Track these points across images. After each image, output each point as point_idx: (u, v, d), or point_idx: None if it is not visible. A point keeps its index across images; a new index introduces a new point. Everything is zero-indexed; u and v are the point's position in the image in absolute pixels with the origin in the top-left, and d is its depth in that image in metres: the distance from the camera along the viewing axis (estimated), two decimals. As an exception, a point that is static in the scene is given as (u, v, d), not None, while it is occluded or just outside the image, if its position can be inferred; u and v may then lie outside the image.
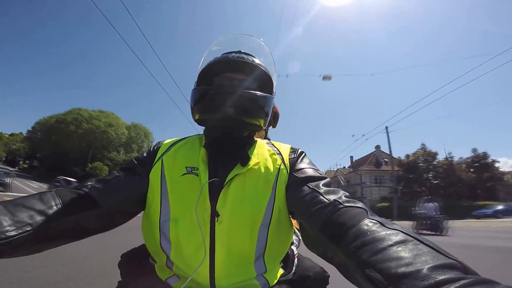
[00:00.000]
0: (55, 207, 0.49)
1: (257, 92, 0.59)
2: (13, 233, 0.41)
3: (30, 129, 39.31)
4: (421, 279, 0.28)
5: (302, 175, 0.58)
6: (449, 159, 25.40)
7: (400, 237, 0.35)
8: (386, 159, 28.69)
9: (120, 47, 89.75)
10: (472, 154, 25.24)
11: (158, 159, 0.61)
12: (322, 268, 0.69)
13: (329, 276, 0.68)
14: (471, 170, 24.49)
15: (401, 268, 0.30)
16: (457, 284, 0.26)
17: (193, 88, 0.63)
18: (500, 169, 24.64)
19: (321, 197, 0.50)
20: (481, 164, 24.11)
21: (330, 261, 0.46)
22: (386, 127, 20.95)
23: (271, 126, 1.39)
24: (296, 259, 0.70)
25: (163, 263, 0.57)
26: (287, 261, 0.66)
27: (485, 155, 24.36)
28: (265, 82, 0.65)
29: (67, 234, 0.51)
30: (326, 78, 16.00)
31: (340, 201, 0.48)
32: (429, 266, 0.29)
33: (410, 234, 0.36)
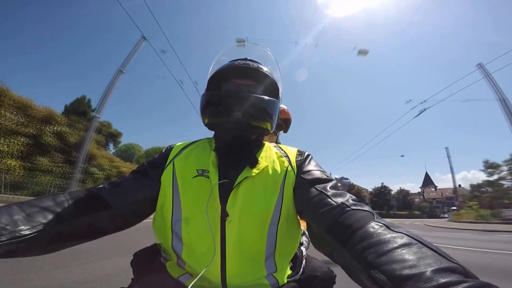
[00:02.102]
0: (67, 208, 0.50)
1: (263, 96, 0.61)
2: (26, 232, 0.42)
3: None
4: (424, 281, 0.28)
5: (309, 177, 0.59)
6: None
7: (405, 240, 0.36)
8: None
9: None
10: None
11: (170, 162, 0.63)
12: (329, 268, 0.70)
13: (336, 276, 0.68)
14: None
15: (405, 270, 0.31)
16: (459, 287, 0.26)
17: (202, 93, 0.66)
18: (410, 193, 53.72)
19: (329, 199, 0.51)
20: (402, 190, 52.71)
21: (336, 261, 0.47)
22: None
23: (281, 131, 1.40)
24: (304, 260, 0.71)
25: (175, 261, 0.58)
26: (295, 261, 0.67)
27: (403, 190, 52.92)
28: (271, 87, 0.66)
29: (81, 234, 0.52)
30: (362, 52, 14.91)
31: (347, 203, 0.48)
32: (432, 269, 0.29)
33: (415, 237, 0.37)
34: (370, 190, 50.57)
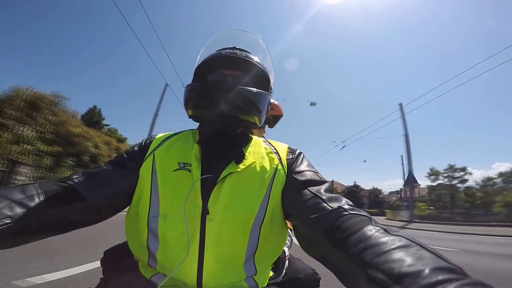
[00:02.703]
0: (37, 199, 0.47)
1: (250, 88, 0.58)
2: None
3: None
4: (423, 278, 0.28)
5: (302, 178, 0.56)
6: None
7: (403, 242, 0.36)
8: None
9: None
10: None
11: (150, 153, 0.60)
12: (313, 270, 0.69)
13: (320, 278, 0.67)
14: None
15: (404, 268, 0.31)
16: (456, 283, 0.27)
17: (187, 84, 0.62)
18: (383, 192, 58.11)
19: (324, 203, 0.49)
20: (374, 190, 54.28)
21: (329, 264, 0.45)
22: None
23: (266, 125, 1.34)
24: (287, 261, 0.69)
25: (147, 261, 0.55)
26: (278, 263, 0.65)
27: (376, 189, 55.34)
28: (260, 79, 0.64)
29: (50, 227, 0.49)
30: (312, 104, 19.17)
31: (344, 208, 0.47)
32: (430, 267, 0.30)
33: (413, 240, 0.37)
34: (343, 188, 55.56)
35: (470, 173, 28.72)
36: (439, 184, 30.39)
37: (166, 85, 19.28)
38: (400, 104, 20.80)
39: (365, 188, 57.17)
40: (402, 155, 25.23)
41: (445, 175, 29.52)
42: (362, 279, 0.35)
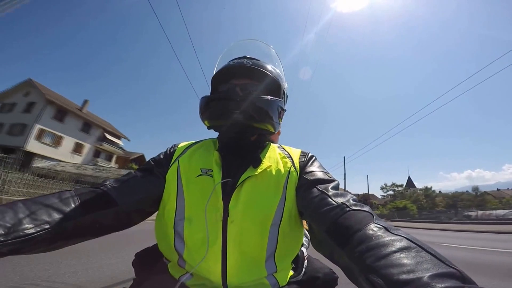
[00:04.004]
0: (73, 205, 0.50)
1: (259, 96, 0.61)
2: (31, 230, 0.42)
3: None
4: (421, 286, 0.29)
5: (311, 178, 0.59)
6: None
7: (403, 243, 0.37)
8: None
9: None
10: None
11: (175, 161, 0.63)
12: (331, 269, 0.70)
13: (337, 277, 0.68)
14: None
15: (403, 275, 0.31)
16: None
17: (201, 97, 0.65)
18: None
19: (329, 199, 0.51)
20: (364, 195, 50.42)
21: (336, 262, 0.47)
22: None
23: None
24: (306, 261, 0.70)
25: (176, 261, 0.58)
26: (297, 262, 0.67)
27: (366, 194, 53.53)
28: (270, 85, 0.66)
29: (85, 232, 0.51)
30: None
31: (347, 204, 0.48)
32: (429, 274, 0.30)
33: (414, 240, 0.37)
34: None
35: (403, 187, 45.09)
36: (388, 194, 45.71)
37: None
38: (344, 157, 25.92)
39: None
40: (344, 156, 28.98)
41: (390, 188, 44.58)
42: (363, 281, 0.36)
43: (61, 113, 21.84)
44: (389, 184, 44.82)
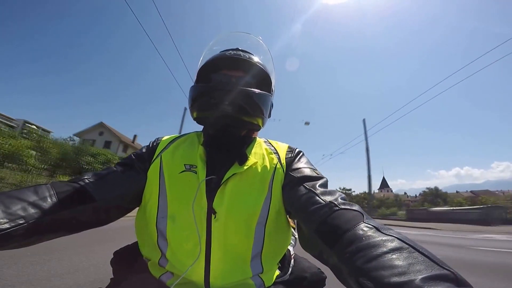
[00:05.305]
0: (49, 200, 0.47)
1: (254, 90, 0.59)
2: (5, 226, 0.40)
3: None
4: None
5: (298, 175, 0.57)
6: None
7: (395, 244, 0.35)
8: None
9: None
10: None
11: (157, 156, 0.61)
12: (319, 269, 0.68)
13: (326, 277, 0.67)
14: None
15: (394, 278, 0.29)
16: None
17: (191, 86, 0.63)
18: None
19: (317, 197, 0.50)
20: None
21: (325, 262, 0.45)
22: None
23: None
24: (292, 260, 0.69)
25: (157, 260, 0.56)
26: (283, 261, 0.66)
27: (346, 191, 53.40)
28: (263, 80, 0.65)
29: (61, 228, 0.49)
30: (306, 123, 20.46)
31: (336, 203, 0.47)
32: (422, 276, 0.28)
33: (406, 241, 0.36)
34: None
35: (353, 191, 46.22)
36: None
37: (185, 109, 19.78)
38: (364, 120, 22.88)
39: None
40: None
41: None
42: (353, 284, 0.35)
43: (125, 147, 29.79)
44: (341, 188, 44.99)
